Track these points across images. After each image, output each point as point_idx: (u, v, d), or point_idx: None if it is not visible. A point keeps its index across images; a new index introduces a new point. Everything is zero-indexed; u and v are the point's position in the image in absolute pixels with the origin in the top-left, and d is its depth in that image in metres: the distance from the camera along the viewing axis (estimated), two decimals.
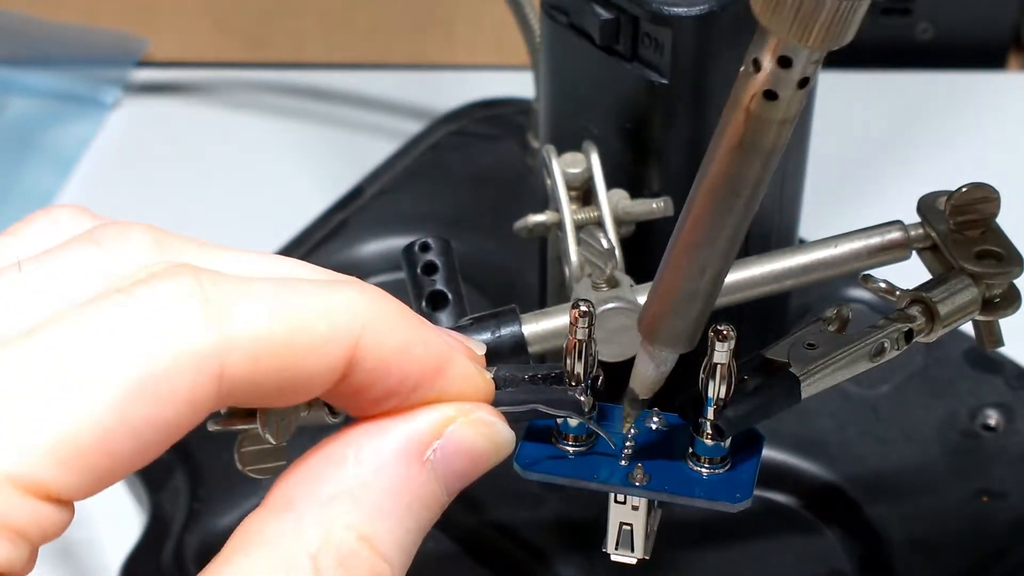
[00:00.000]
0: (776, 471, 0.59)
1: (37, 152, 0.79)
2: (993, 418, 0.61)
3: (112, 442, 0.31)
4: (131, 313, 0.31)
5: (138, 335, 0.31)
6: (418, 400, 0.35)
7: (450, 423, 0.35)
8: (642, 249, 0.52)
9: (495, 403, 0.40)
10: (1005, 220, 0.47)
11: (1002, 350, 0.54)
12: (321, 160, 0.78)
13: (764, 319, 0.60)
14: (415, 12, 0.85)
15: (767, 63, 0.35)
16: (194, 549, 0.59)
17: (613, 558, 0.44)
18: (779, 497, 0.60)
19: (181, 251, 0.35)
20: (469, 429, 0.36)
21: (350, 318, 0.34)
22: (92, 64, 0.83)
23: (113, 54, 0.84)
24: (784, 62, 0.35)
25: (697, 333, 0.40)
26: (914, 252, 0.48)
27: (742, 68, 0.35)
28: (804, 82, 0.35)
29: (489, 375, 0.38)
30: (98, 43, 0.84)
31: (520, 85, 0.71)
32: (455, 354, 0.36)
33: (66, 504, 0.31)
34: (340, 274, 0.37)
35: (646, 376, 0.41)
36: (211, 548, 0.59)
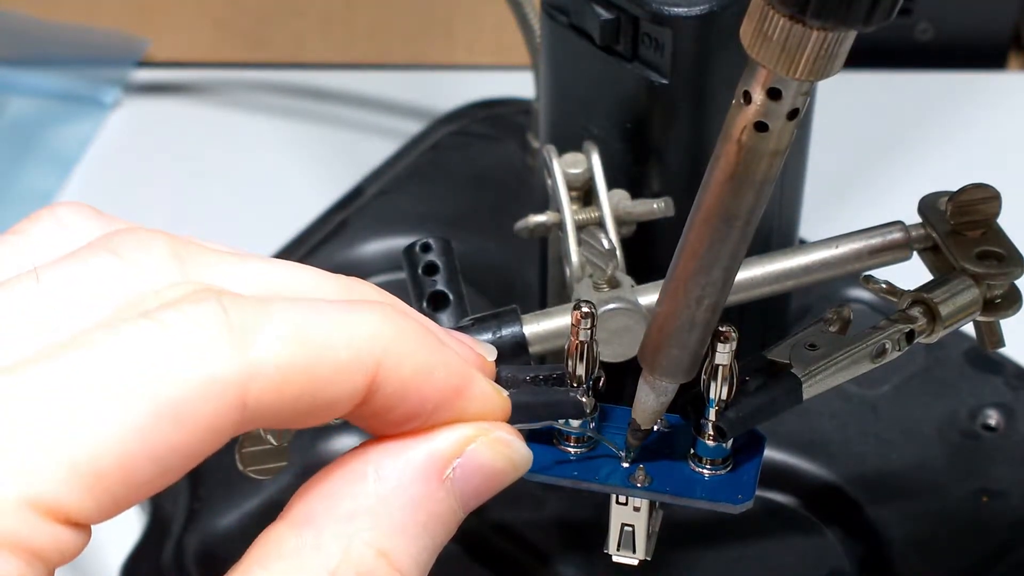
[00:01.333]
0: (776, 471, 0.59)
1: (37, 152, 0.79)
2: (993, 418, 0.61)
3: (132, 467, 0.31)
4: (156, 339, 0.31)
5: (163, 361, 0.31)
6: (438, 421, 0.36)
7: (470, 443, 0.36)
8: (643, 249, 0.52)
9: None
10: (1006, 220, 0.47)
11: (1002, 350, 0.53)
12: (321, 160, 0.78)
13: (764, 319, 0.60)
14: (415, 12, 0.85)
15: (757, 95, 0.35)
16: (194, 549, 0.59)
17: (615, 559, 0.44)
18: (779, 497, 0.60)
19: (202, 263, 0.35)
20: (488, 449, 0.36)
21: (371, 343, 0.34)
22: (92, 64, 0.83)
23: (113, 54, 0.84)
24: (773, 94, 0.35)
25: (696, 362, 0.40)
26: (915, 252, 0.48)
27: (733, 101, 0.36)
28: (794, 113, 0.36)
29: (506, 393, 0.38)
30: (98, 43, 0.84)
31: (520, 85, 0.71)
32: (474, 374, 0.37)
33: (84, 527, 0.31)
34: (355, 281, 0.37)
35: (648, 407, 0.41)
36: (211, 548, 0.60)
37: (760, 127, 0.36)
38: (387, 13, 0.85)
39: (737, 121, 0.36)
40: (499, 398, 0.37)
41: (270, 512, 0.61)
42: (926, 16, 0.82)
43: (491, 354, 0.39)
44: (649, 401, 0.41)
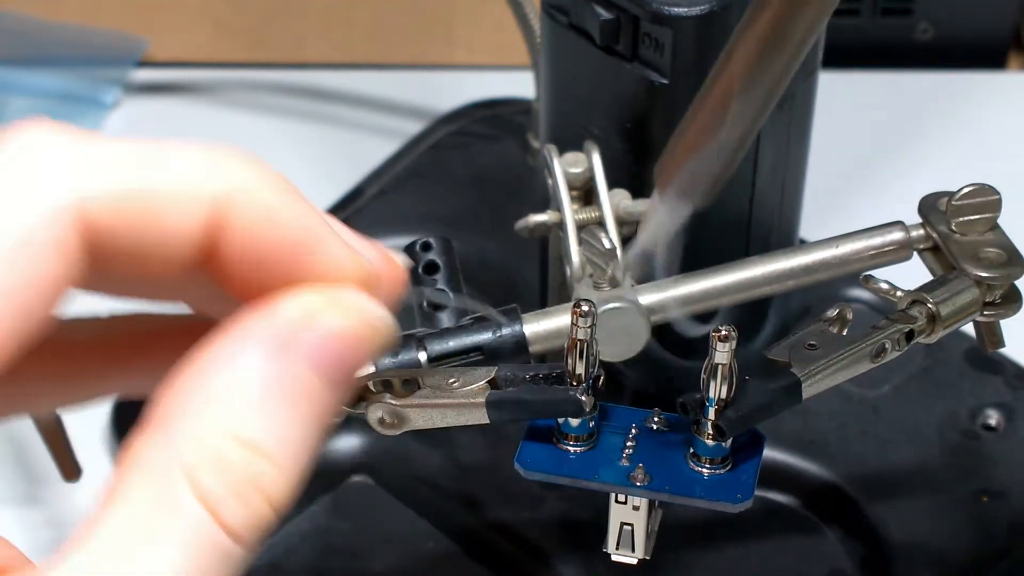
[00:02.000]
0: (776, 471, 0.59)
1: None
2: (993, 418, 0.61)
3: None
4: None
5: None
6: (287, 280, 0.34)
7: (318, 311, 0.33)
8: None
9: (497, 402, 0.40)
10: (1006, 220, 0.47)
11: (1002, 350, 0.53)
12: (321, 160, 0.78)
13: (763, 318, 0.60)
14: (415, 12, 0.85)
15: None
16: None
17: (614, 558, 0.44)
18: (779, 497, 0.60)
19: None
20: (339, 315, 0.34)
21: (219, 172, 0.33)
22: (92, 64, 0.83)
23: (113, 54, 0.84)
24: None
25: (713, 189, 0.39)
26: (915, 253, 0.48)
27: None
28: None
29: (369, 259, 0.35)
30: (98, 43, 0.84)
31: (520, 85, 0.71)
32: (329, 234, 0.34)
33: None
34: None
35: (658, 228, 0.40)
36: None
37: None
38: (387, 13, 0.85)
39: None
40: (356, 261, 0.35)
41: None
42: (926, 16, 0.82)
43: (402, 259, 0.37)
44: (660, 222, 0.40)
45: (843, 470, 0.60)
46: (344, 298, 0.34)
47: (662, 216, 0.40)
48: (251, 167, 0.33)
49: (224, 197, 0.33)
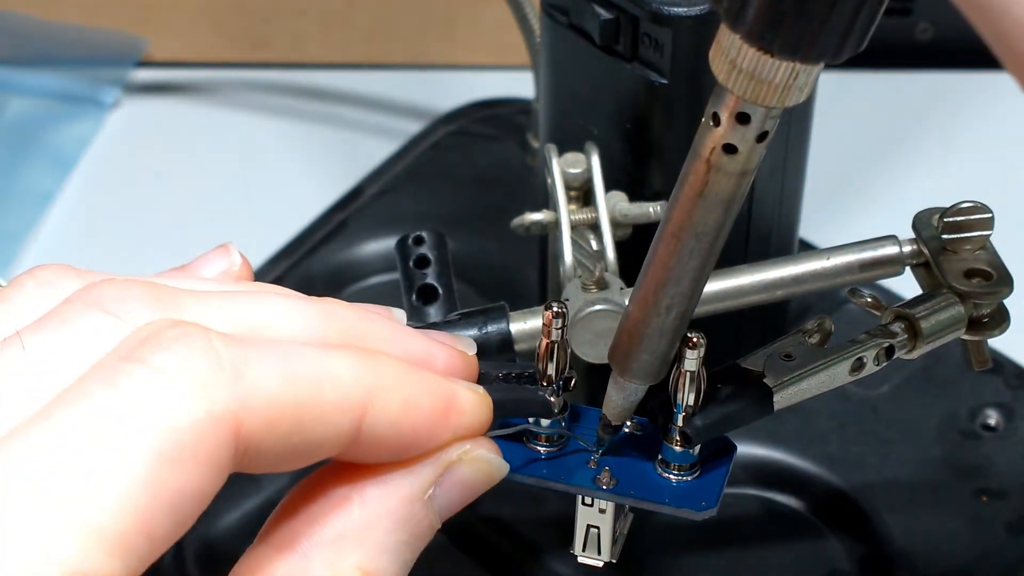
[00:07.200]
0: (776, 471, 0.59)
1: (37, 152, 0.79)
2: (993, 418, 0.61)
3: (151, 521, 0.31)
4: (146, 382, 0.32)
5: (156, 405, 0.31)
6: (429, 445, 0.37)
7: (452, 465, 0.37)
8: (640, 252, 0.52)
9: None
10: (1006, 222, 0.47)
11: (1002, 350, 0.53)
12: (321, 160, 0.78)
13: (763, 320, 0.59)
14: (415, 12, 0.85)
15: (725, 118, 0.35)
16: (194, 549, 0.59)
17: (580, 560, 0.43)
18: (779, 497, 0.60)
19: (180, 306, 0.35)
20: (469, 467, 0.38)
21: (355, 386, 0.35)
22: (92, 64, 0.83)
23: (113, 54, 0.84)
24: (742, 118, 0.35)
25: (665, 366, 0.41)
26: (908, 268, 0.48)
27: (703, 120, 0.36)
28: (763, 136, 0.35)
29: (481, 390, 0.39)
30: (98, 43, 0.84)
31: (520, 85, 0.71)
32: (457, 389, 0.37)
33: None
34: (330, 302, 0.38)
35: (617, 404, 0.41)
36: (211, 548, 0.59)
37: (728, 149, 0.36)
38: (387, 13, 0.85)
39: (706, 141, 0.36)
40: (482, 404, 0.38)
41: (270, 511, 0.61)
42: (926, 16, 0.82)
43: (471, 348, 0.40)
44: (619, 400, 0.41)
45: (842, 470, 0.60)
46: (477, 452, 0.38)
47: (621, 398, 0.41)
48: (378, 363, 0.36)
49: (365, 403, 0.35)
